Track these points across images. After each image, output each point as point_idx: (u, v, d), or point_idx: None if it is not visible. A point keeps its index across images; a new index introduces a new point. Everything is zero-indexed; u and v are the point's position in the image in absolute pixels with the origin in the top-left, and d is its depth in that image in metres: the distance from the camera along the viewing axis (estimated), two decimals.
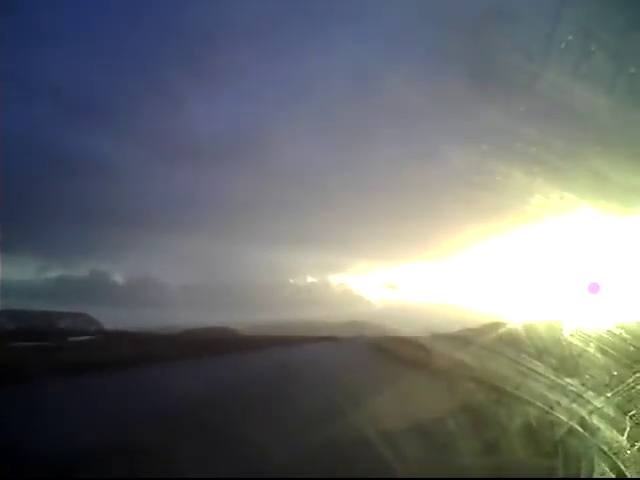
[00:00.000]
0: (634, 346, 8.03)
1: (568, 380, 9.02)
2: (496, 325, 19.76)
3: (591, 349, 8.76)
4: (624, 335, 8.43)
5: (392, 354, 28.61)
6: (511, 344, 13.08)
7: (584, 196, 8.15)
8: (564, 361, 9.98)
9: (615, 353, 8.10)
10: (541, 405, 8.21)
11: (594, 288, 10.40)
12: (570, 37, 6.63)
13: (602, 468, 5.34)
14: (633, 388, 6.39)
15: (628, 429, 5.79)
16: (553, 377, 9.38)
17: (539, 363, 10.67)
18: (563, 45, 6.70)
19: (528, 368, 10.76)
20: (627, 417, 6.05)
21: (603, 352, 8.34)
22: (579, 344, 9.24)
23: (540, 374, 10.06)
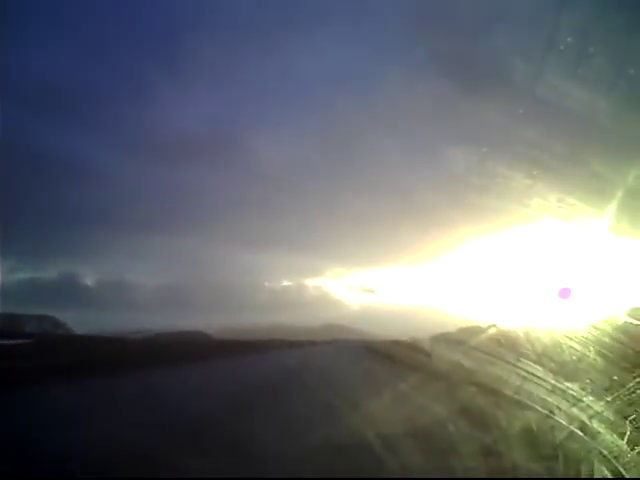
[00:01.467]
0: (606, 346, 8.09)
1: (569, 384, 9.00)
2: (474, 329, 19.79)
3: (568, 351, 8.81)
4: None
5: (378, 356, 28.50)
6: (489, 346, 13.07)
7: (575, 198, 8.13)
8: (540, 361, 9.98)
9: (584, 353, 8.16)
10: (541, 409, 8.19)
11: (565, 293, 10.39)
12: (569, 39, 6.65)
13: (602, 472, 5.34)
14: (633, 392, 6.36)
15: (628, 433, 5.76)
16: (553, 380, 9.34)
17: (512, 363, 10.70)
18: (562, 47, 6.71)
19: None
20: (627, 421, 6.01)
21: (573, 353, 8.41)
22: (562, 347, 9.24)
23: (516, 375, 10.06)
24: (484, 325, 17.27)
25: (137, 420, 9.47)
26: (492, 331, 14.20)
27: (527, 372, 9.60)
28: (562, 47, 6.60)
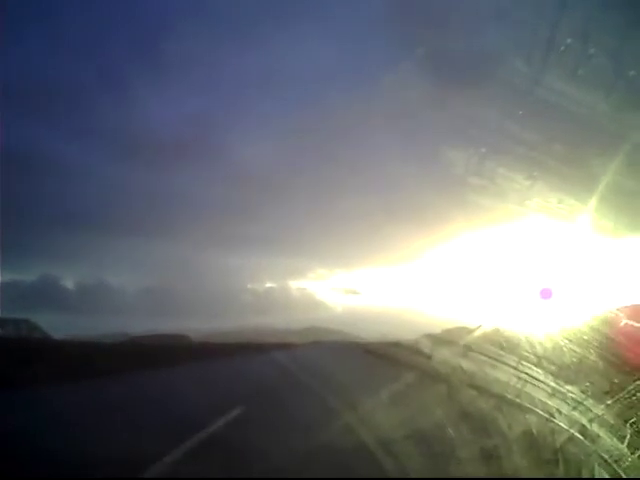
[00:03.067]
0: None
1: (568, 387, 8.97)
2: (460, 330, 19.75)
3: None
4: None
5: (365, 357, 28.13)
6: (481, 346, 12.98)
7: (571, 200, 8.10)
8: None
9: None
10: (541, 412, 8.14)
11: (546, 293, 10.32)
12: (569, 40, 6.63)
13: (602, 476, 5.31)
14: (634, 395, 6.32)
15: (628, 437, 5.72)
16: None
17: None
18: (562, 48, 6.70)
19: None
20: (627, 425, 5.98)
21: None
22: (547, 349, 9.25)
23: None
24: (470, 326, 17.22)
25: (119, 425, 9.11)
26: (479, 332, 14.13)
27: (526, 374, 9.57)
28: (562, 48, 6.59)
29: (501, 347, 11.25)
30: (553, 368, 8.87)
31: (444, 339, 21.22)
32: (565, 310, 10.38)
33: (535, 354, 9.53)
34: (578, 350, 8.16)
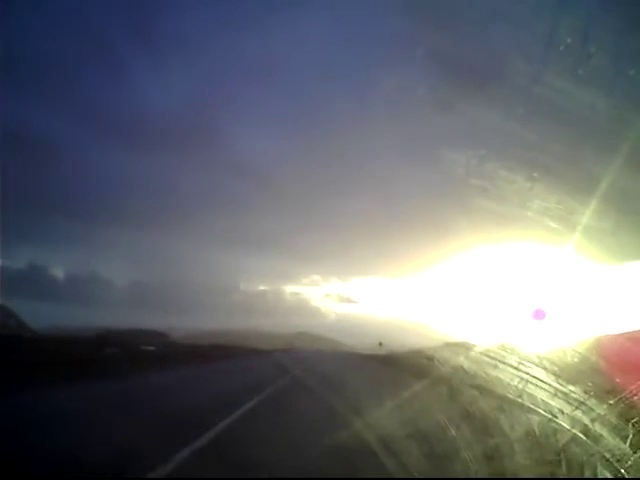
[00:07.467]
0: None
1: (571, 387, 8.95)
2: (456, 345, 19.67)
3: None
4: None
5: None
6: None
7: (572, 205, 8.08)
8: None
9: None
10: (543, 412, 8.13)
11: (539, 314, 10.27)
12: (569, 39, 6.62)
13: (605, 476, 5.30)
14: (636, 395, 6.31)
15: (630, 436, 5.71)
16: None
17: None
18: (562, 47, 6.69)
19: None
20: (630, 424, 5.97)
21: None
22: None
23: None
24: (467, 343, 17.19)
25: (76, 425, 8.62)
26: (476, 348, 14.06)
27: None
28: (562, 47, 6.58)
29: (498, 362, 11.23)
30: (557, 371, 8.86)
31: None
32: (561, 331, 10.34)
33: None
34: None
